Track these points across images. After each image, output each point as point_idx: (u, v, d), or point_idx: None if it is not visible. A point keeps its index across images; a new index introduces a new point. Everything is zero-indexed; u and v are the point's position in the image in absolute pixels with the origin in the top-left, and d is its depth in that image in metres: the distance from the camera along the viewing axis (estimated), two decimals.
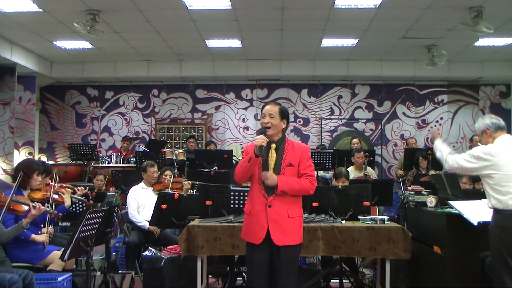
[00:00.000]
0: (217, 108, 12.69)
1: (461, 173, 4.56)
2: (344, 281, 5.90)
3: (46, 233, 5.04)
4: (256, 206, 3.97)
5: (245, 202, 4.35)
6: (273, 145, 4.02)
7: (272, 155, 4.01)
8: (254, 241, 3.95)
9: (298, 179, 3.98)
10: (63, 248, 4.28)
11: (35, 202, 4.82)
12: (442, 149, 4.61)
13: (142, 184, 7.15)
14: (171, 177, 7.41)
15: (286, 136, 4.13)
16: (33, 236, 4.93)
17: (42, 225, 5.26)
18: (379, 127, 12.45)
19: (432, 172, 8.83)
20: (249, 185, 4.20)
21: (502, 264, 4.09)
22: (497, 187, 4.15)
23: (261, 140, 3.87)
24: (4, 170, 9.84)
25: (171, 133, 12.59)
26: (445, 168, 4.56)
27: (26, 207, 4.73)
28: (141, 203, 6.90)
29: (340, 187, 6.09)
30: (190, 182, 7.75)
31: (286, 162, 3.97)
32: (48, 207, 5.07)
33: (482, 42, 9.95)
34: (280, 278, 3.90)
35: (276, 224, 3.88)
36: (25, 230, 4.77)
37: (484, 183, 4.34)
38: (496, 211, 4.17)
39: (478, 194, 5.60)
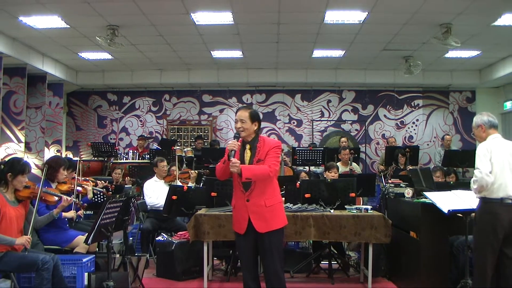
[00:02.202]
0: (221, 111, 12.66)
1: (488, 183, 4.03)
2: (332, 262, 5.92)
3: (73, 210, 5.06)
4: (238, 201, 3.93)
5: None
6: (248, 146, 3.94)
7: (247, 154, 3.93)
8: (239, 231, 3.93)
9: (259, 165, 3.86)
10: (87, 233, 4.29)
11: (63, 196, 4.83)
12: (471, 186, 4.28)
13: (155, 178, 7.17)
14: (177, 171, 7.44)
15: (260, 135, 4.00)
16: (64, 213, 4.95)
17: None
18: (363, 127, 12.44)
19: (409, 167, 8.85)
20: None
21: (488, 245, 4.06)
22: None
23: (232, 145, 3.80)
24: (36, 165, 9.84)
25: (180, 133, 12.57)
26: (476, 185, 4.10)
27: (56, 198, 4.74)
28: (155, 194, 6.92)
29: (329, 180, 6.09)
30: (196, 171, 7.78)
31: (256, 158, 3.89)
32: (74, 197, 5.08)
33: (451, 54, 9.95)
34: (267, 261, 3.86)
35: (256, 214, 3.83)
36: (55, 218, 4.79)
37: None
38: (486, 200, 4.11)
39: (448, 186, 5.63)
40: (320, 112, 12.55)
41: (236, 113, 4.02)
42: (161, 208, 6.66)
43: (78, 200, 5.26)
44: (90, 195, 5.52)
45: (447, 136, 11.08)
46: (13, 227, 4.25)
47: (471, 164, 8.39)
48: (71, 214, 5.03)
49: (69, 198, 4.82)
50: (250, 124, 3.91)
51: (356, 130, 12.50)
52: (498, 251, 4.07)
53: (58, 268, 4.31)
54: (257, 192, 3.85)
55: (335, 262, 6.10)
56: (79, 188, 5.42)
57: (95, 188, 5.71)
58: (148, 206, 6.99)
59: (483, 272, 4.08)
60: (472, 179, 4.20)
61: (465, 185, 5.33)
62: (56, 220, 4.89)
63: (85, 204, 5.36)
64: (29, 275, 4.57)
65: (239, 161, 3.79)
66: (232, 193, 4.06)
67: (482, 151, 4.14)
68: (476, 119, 4.39)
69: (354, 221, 5.23)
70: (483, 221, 4.13)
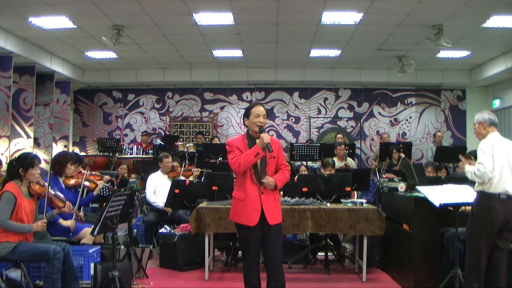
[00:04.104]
0: (222, 108, 12.66)
1: (490, 176, 4.05)
2: (328, 253, 5.93)
3: (73, 219, 4.94)
4: (250, 193, 3.85)
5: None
6: (257, 141, 3.88)
7: None
8: (248, 223, 3.83)
9: (282, 173, 3.94)
10: (93, 225, 4.29)
11: (67, 201, 4.75)
12: (469, 169, 4.23)
13: (159, 172, 7.14)
14: (180, 167, 7.43)
15: None
16: (61, 220, 4.92)
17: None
18: (359, 124, 12.44)
19: (402, 154, 8.85)
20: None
21: (484, 237, 4.08)
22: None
23: (267, 137, 3.78)
24: (45, 160, 9.84)
25: (183, 129, 12.56)
26: (477, 179, 4.13)
27: (61, 204, 4.66)
28: (158, 188, 6.90)
29: (325, 175, 6.09)
30: (199, 169, 7.76)
31: (269, 154, 3.87)
32: (76, 208, 5.00)
33: (443, 54, 9.94)
34: (272, 251, 3.87)
35: (268, 207, 3.83)
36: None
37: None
38: (484, 194, 4.11)
39: (439, 181, 5.64)
40: (317, 110, 12.54)
41: (252, 108, 3.93)
42: (159, 206, 6.66)
43: (84, 195, 5.24)
44: (96, 192, 5.51)
45: (439, 133, 11.11)
46: (28, 217, 4.29)
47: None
48: (69, 223, 4.93)
49: (71, 207, 4.74)
50: (266, 120, 3.96)
51: (352, 126, 12.49)
52: (492, 242, 4.09)
53: (69, 257, 4.34)
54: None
55: (331, 254, 6.11)
56: (87, 183, 5.40)
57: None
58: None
59: (477, 262, 4.10)
60: (473, 171, 4.14)
61: (456, 180, 5.36)
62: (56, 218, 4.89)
63: (84, 219, 5.20)
64: (38, 265, 4.58)
65: (272, 179, 3.84)
66: (231, 187, 4.04)
67: (486, 147, 4.12)
68: (477, 117, 4.36)
69: (349, 214, 5.24)
70: (480, 214, 4.13)
